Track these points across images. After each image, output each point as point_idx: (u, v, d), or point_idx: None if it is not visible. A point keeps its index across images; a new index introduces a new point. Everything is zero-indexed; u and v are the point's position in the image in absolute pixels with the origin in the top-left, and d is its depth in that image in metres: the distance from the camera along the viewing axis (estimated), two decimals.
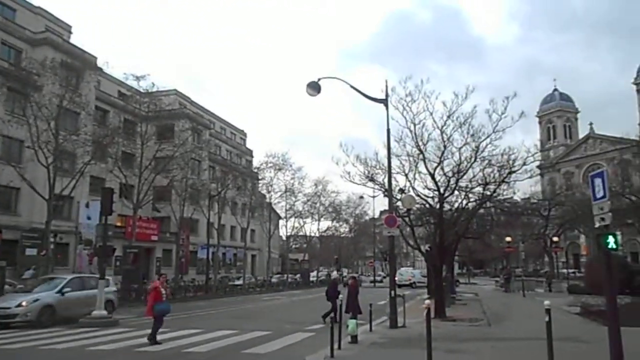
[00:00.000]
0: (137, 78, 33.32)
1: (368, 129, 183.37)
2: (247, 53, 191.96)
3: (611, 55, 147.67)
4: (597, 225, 8.45)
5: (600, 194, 8.33)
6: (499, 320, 17.80)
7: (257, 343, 12.31)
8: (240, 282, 44.40)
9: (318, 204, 58.33)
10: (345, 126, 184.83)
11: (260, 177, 50.41)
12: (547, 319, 7.41)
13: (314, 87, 15.26)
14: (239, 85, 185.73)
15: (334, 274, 52.28)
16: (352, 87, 16.45)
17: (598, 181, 8.42)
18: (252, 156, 63.43)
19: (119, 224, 42.29)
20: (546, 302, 7.92)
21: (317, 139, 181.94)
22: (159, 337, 12.17)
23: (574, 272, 48.32)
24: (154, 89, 34.78)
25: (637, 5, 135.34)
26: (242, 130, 71.89)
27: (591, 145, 76.43)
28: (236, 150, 64.13)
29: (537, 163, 38.71)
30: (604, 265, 8.95)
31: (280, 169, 48.38)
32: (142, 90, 34.90)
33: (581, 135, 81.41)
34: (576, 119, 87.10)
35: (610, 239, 8.13)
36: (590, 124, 77.43)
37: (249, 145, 66.70)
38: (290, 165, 49.46)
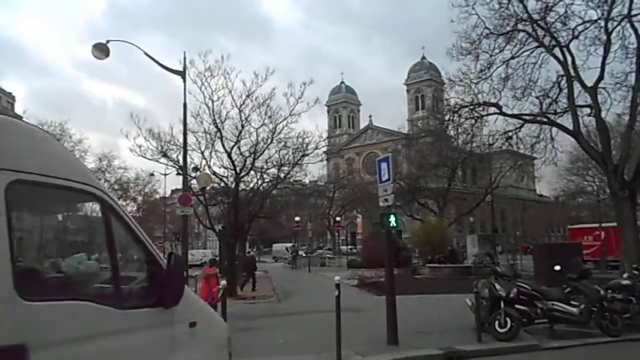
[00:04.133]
0: None
1: (152, 100, 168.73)
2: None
3: (384, 53, 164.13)
4: (381, 204, 9.24)
5: (385, 177, 9.10)
6: (288, 295, 18.60)
7: None
8: None
9: (102, 181, 53.49)
10: (122, 94, 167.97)
11: None
12: (336, 292, 7.83)
13: (102, 50, 13.60)
14: None
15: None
16: (146, 54, 15.14)
17: (384, 165, 9.18)
18: None
19: None
20: (336, 278, 8.37)
21: (88, 106, 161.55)
22: None
23: (351, 249, 53.47)
24: None
25: (404, 7, 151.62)
26: (10, 93, 61.71)
27: (370, 135, 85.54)
28: None
29: (325, 148, 41.71)
30: (385, 242, 9.88)
31: (57, 140, 42.83)
32: None
33: (362, 126, 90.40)
34: (359, 111, 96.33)
35: (392, 218, 8.97)
36: (370, 116, 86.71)
37: (18, 110, 57.47)
38: (70, 137, 44.24)
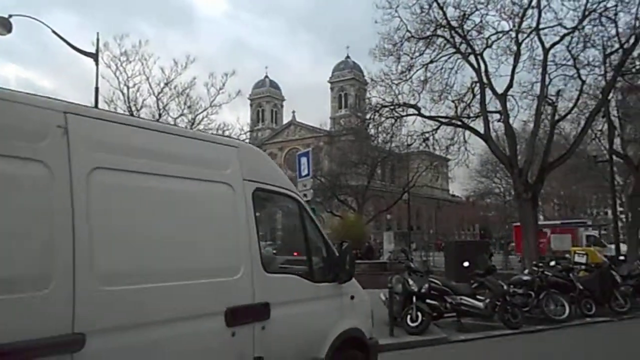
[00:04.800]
0: None
1: (61, 83, 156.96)
2: None
3: (309, 49, 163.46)
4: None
5: (305, 172, 9.05)
6: None
7: None
8: None
9: None
10: (27, 75, 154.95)
11: None
12: None
13: (3, 25, 12.54)
14: None
15: None
16: (55, 32, 14.16)
17: (304, 160, 9.13)
18: None
19: None
20: None
21: None
22: None
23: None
24: None
25: (329, 5, 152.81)
26: None
27: (292, 131, 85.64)
28: None
29: (248, 142, 41.18)
30: None
31: None
32: None
33: (285, 121, 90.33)
34: (282, 106, 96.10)
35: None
36: (293, 112, 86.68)
37: None
38: None
